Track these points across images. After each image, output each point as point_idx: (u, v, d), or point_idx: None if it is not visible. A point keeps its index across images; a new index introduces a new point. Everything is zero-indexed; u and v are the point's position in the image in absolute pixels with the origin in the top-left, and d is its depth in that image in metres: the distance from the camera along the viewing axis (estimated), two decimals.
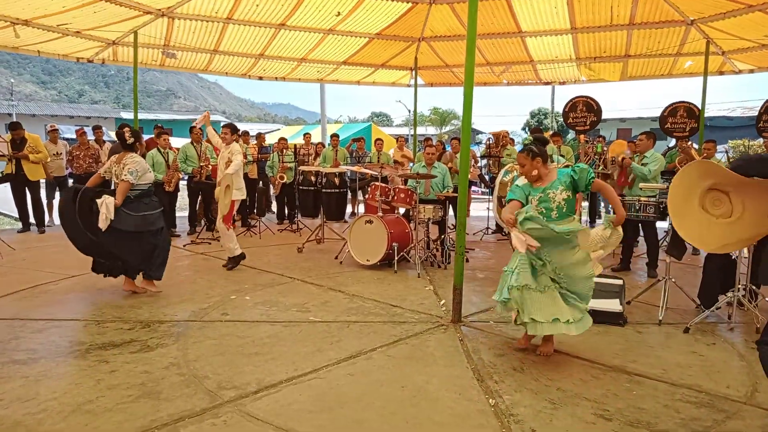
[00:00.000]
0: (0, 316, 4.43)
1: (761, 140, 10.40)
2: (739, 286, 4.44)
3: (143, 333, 4.11)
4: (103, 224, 4.58)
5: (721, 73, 10.32)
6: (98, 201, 4.66)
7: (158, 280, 5.12)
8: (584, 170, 3.55)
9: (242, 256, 6.28)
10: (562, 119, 11.07)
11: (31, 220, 8.59)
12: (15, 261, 6.45)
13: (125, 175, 4.72)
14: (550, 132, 8.70)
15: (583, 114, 10.25)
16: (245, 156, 9.08)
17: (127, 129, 4.91)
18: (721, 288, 4.64)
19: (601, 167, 7.88)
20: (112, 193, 4.78)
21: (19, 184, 8.24)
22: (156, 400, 3.02)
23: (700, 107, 9.27)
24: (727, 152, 8.97)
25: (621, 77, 11.30)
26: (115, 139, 8.52)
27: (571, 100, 10.47)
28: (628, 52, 10.28)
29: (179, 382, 3.25)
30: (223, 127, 6.30)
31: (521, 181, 3.79)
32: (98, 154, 8.93)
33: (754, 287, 4.59)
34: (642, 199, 5.43)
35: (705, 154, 7.44)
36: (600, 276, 4.35)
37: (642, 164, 5.99)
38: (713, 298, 4.60)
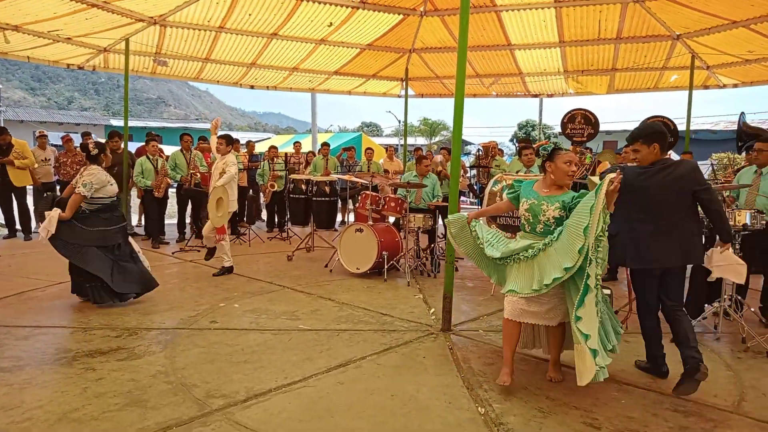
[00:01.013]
0: None
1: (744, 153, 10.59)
2: (726, 296, 4.49)
3: (130, 340, 4.07)
4: (43, 233, 4.55)
5: (706, 87, 10.50)
6: (46, 213, 4.64)
7: (121, 301, 4.88)
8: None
9: (230, 269, 6.35)
10: (551, 130, 11.17)
11: (17, 226, 8.50)
12: (0, 267, 6.37)
13: (78, 187, 4.68)
14: (545, 142, 8.75)
15: (581, 126, 10.40)
16: None
17: (92, 141, 4.90)
18: (708, 298, 4.70)
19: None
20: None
21: (5, 190, 8.15)
22: (143, 408, 2.99)
23: (678, 121, 9.39)
24: (712, 165, 9.08)
25: (608, 90, 11.48)
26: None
27: (569, 112, 10.59)
28: (615, 66, 10.44)
29: (167, 390, 3.22)
30: (218, 137, 6.28)
31: (529, 180, 3.64)
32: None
33: (740, 298, 4.65)
34: None
35: None
36: None
37: None
38: (699, 309, 4.66)
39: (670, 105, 12.23)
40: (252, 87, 11.95)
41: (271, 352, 3.89)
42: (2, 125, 11.07)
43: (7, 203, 8.31)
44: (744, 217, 4.34)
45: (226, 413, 2.96)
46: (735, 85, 10.19)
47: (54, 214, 4.60)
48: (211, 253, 6.37)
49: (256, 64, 10.79)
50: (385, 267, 6.30)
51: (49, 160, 8.89)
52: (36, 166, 8.49)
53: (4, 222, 8.69)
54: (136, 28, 8.64)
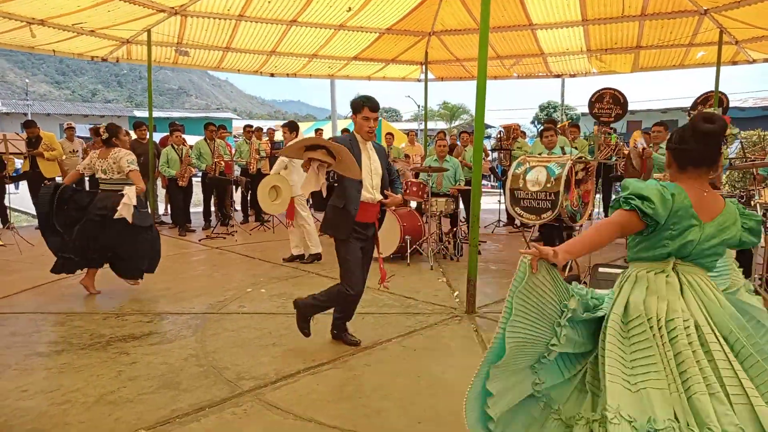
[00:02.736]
0: (22, 310, 4.53)
1: None
2: (756, 275, 4.42)
3: (162, 325, 4.18)
4: (125, 212, 4.62)
5: (735, 62, 10.18)
6: (123, 193, 4.74)
7: (151, 273, 5.10)
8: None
9: (318, 256, 6.38)
10: (573, 111, 10.95)
11: None
12: (34, 256, 6.55)
13: (130, 165, 4.77)
14: (566, 123, 8.58)
15: (609, 105, 10.16)
16: (258, 152, 9.18)
17: (102, 126, 5.00)
18: None
19: (614, 158, 7.84)
20: (87, 192, 4.97)
21: (36, 181, 8.36)
22: (176, 390, 3.07)
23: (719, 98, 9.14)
24: (741, 142, 8.84)
25: (632, 69, 11.20)
26: (134, 136, 8.66)
27: (598, 91, 10.36)
28: (640, 43, 10.17)
29: (198, 373, 3.30)
30: (282, 126, 6.43)
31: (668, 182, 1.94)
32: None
33: None
34: None
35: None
36: (611, 266, 4.33)
37: (660, 155, 5.96)
38: None
39: (697, 82, 11.90)
40: (272, 75, 11.98)
41: (299, 335, 3.94)
42: (30, 119, 11.32)
43: (38, 194, 8.52)
44: None
45: (257, 394, 3.03)
46: (766, 60, 9.86)
47: (131, 192, 4.70)
48: (307, 258, 6.36)
49: (276, 51, 10.80)
50: (408, 251, 6.32)
51: (77, 151, 9.09)
52: (65, 157, 8.69)
53: (35, 212, 8.93)
54: (158, 18, 8.72)
